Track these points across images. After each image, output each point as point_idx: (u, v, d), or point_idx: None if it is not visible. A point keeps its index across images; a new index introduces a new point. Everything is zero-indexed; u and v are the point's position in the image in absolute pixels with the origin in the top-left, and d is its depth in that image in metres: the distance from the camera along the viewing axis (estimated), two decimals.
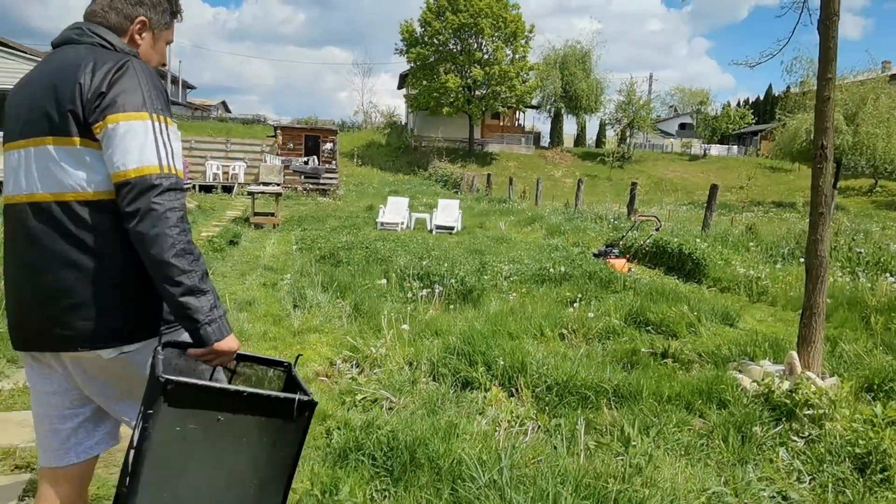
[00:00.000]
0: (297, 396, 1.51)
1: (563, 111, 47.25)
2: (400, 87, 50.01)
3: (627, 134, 46.90)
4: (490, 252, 10.02)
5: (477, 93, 38.59)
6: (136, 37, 1.70)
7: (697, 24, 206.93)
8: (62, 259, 1.51)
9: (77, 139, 1.49)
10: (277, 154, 24.31)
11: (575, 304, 5.71)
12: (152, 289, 1.51)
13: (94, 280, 1.51)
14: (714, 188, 11.69)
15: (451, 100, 36.97)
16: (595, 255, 9.59)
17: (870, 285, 6.87)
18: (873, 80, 27.15)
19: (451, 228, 14.68)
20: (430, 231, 14.59)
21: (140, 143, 1.45)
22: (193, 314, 1.47)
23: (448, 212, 15.73)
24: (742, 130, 53.87)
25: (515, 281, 7.12)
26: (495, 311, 5.42)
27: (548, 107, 46.76)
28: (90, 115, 1.47)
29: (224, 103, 74.59)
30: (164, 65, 1.83)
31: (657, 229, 9.25)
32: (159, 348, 1.52)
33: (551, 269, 7.38)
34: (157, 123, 1.49)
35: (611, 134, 52.67)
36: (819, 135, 4.06)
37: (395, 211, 15.69)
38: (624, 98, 45.82)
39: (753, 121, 52.95)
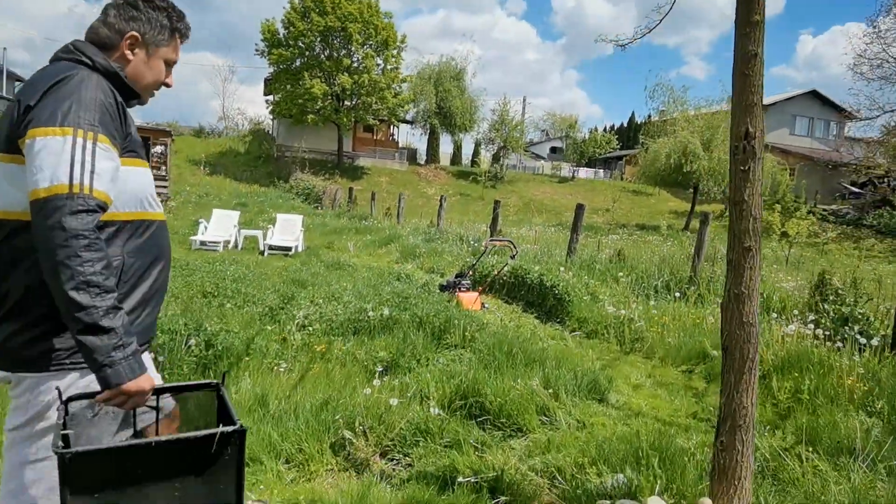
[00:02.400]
0: (218, 430, 1.40)
1: (438, 128, 46.16)
2: (267, 93, 46.58)
3: (501, 154, 46.77)
4: (317, 283, 7.90)
5: (346, 103, 36.31)
6: (127, 52, 1.63)
7: (570, 57, 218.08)
8: None
9: (8, 156, 1.44)
10: None
11: (376, 381, 3.72)
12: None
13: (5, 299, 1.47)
14: (580, 209, 10.38)
15: (318, 108, 34.41)
16: (442, 287, 7.76)
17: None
18: (727, 111, 28.32)
19: (289, 249, 12.33)
20: (262, 253, 12.15)
21: (55, 159, 1.35)
22: (93, 354, 1.34)
23: (287, 229, 13.37)
24: (608, 155, 55.93)
25: (315, 332, 5.04)
26: (237, 401, 3.29)
27: (422, 123, 45.49)
28: (18, 129, 1.41)
29: None
30: (163, 84, 1.74)
31: (513, 257, 7.61)
32: (61, 406, 1.40)
33: (371, 313, 5.38)
34: (79, 139, 1.38)
35: (486, 154, 52.49)
36: (743, 115, 2.38)
37: (219, 227, 13.08)
38: (497, 118, 45.64)
39: (618, 146, 55.17)
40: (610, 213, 28.63)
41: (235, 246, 12.84)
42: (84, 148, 1.37)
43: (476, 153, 53.47)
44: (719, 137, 27.18)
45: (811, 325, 5.50)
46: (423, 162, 47.67)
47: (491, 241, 7.36)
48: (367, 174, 39.50)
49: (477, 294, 7.38)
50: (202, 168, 31.80)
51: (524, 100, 53.75)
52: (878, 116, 27.02)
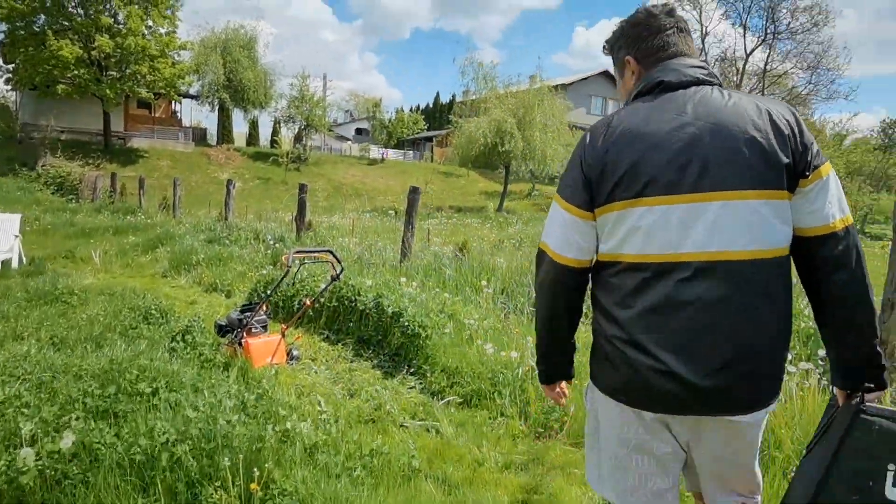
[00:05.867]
0: None
1: (228, 104, 40.73)
2: (6, 60, 37.14)
3: (304, 134, 42.92)
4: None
5: (111, 72, 29.93)
6: None
7: (367, 39, 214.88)
8: (752, 318, 1.44)
9: (786, 193, 1.46)
10: None
11: None
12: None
13: (775, 338, 1.49)
14: (415, 193, 7.99)
15: (71, 76, 27.81)
16: (220, 329, 4.84)
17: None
18: (537, 88, 27.95)
19: None
20: None
21: (838, 193, 1.50)
22: (880, 360, 1.51)
23: None
24: (416, 136, 54.81)
25: None
26: None
27: (210, 97, 39.78)
28: (802, 167, 1.47)
29: None
30: None
31: (337, 277, 4.90)
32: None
33: (27, 453, 2.40)
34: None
35: (287, 133, 48.05)
36: None
37: None
38: (297, 94, 41.62)
39: (426, 127, 54.32)
40: (428, 195, 26.97)
41: None
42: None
43: (275, 132, 48.75)
44: (533, 116, 26.74)
45: None
46: (214, 143, 42.04)
47: (297, 252, 4.60)
48: (145, 157, 33.39)
49: (279, 336, 4.63)
50: None
51: (325, 77, 50.17)
52: None
